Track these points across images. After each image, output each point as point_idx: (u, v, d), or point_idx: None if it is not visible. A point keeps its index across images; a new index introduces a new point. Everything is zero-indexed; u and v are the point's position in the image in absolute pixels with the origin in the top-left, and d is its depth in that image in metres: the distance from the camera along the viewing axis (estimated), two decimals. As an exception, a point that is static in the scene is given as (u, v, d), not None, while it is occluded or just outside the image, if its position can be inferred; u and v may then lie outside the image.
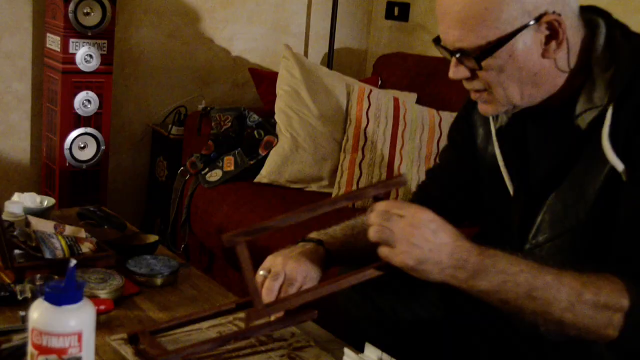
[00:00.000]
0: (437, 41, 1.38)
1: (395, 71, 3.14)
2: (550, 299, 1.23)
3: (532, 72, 1.32)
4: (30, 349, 1.16)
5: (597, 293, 1.23)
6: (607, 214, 1.34)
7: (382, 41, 3.62)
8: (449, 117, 2.68)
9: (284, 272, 1.40)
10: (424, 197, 1.68)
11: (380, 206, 1.28)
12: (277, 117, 2.74)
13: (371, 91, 2.74)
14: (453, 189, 1.66)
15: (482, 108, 1.41)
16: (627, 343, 1.25)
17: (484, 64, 1.30)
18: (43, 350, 1.13)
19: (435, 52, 3.42)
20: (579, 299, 1.23)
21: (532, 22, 1.27)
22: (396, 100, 2.72)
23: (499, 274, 1.24)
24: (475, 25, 1.29)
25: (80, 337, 1.14)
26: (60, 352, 1.13)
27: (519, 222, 1.49)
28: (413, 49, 3.40)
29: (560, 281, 1.24)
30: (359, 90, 2.73)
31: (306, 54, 3.48)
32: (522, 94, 1.35)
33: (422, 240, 1.23)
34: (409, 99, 2.87)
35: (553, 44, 1.30)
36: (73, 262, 1.18)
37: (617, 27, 1.38)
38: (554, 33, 1.29)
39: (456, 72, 1.35)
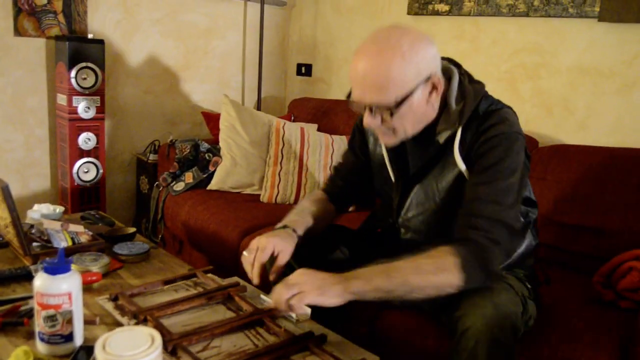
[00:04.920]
0: (349, 96, 1.36)
1: (302, 110, 3.15)
2: (401, 271, 1.22)
3: (421, 114, 1.34)
4: (35, 306, 1.16)
5: (430, 258, 1.24)
6: (453, 201, 1.36)
7: (294, 90, 3.64)
8: (338, 139, 2.73)
9: (258, 246, 1.38)
10: (332, 185, 1.70)
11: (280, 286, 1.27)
12: (221, 144, 2.74)
13: (285, 123, 2.76)
14: (351, 178, 1.67)
15: (385, 140, 1.40)
16: (471, 284, 1.24)
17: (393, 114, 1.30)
18: (44, 306, 1.14)
19: (328, 96, 3.48)
20: (419, 266, 1.23)
21: (423, 82, 1.29)
22: (302, 129, 2.75)
23: (370, 272, 1.23)
24: (387, 88, 1.27)
25: (70, 296, 1.15)
26: (56, 307, 1.14)
27: (397, 202, 1.52)
28: (314, 94, 3.45)
29: (405, 261, 1.24)
30: (276, 123, 2.75)
31: (243, 101, 3.49)
32: (414, 128, 1.35)
33: (309, 280, 1.22)
34: (311, 128, 2.89)
35: (434, 93, 1.33)
36: (62, 245, 1.19)
37: (464, 74, 1.41)
38: (434, 87, 1.32)
39: (372, 121, 1.33)
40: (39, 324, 1.15)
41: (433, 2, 2.76)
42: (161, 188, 2.75)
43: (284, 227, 1.48)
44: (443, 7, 2.72)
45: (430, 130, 1.38)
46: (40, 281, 1.14)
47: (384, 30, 1.31)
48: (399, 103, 1.28)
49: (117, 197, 3.11)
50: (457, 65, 1.43)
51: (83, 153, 2.70)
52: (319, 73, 3.49)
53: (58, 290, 1.13)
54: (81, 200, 2.74)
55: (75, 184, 2.71)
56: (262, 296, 1.46)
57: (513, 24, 2.52)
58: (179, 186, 2.67)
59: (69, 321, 1.15)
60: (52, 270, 1.14)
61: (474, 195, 1.30)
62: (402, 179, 1.50)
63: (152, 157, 2.98)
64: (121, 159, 3.11)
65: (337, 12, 3.32)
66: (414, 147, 1.45)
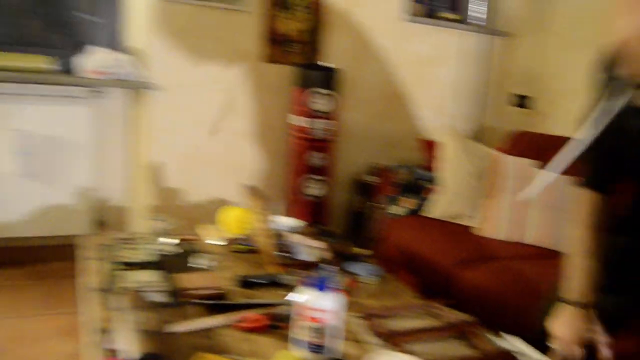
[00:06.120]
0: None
1: (522, 143, 3.02)
2: None
3: None
4: (297, 316, 1.26)
5: None
6: None
7: (510, 121, 3.53)
8: (561, 179, 2.60)
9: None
10: (592, 170, 1.37)
11: None
12: (441, 173, 2.77)
13: (504, 157, 2.72)
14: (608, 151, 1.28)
15: None
16: None
17: None
18: (310, 319, 1.25)
19: (548, 130, 3.26)
20: None
21: None
22: (522, 164, 2.68)
23: None
24: None
25: (334, 312, 1.25)
26: (320, 321, 1.24)
27: None
28: (531, 127, 3.33)
29: None
30: (495, 157, 2.72)
31: (457, 130, 3.50)
32: None
33: None
34: (530, 164, 2.81)
35: None
36: (332, 268, 1.31)
37: None
38: None
39: None
40: (302, 333, 1.28)
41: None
42: (379, 209, 2.86)
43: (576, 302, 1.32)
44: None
45: None
46: (310, 295, 1.26)
47: None
48: None
49: (333, 213, 3.28)
50: None
51: (312, 170, 2.90)
52: (538, 106, 3.39)
53: (324, 305, 1.25)
54: (307, 212, 2.93)
55: (303, 198, 2.92)
56: (504, 335, 1.46)
57: None
58: (398, 210, 2.76)
59: (329, 334, 1.26)
60: (321, 287, 1.26)
61: None
62: None
63: (369, 178, 3.10)
64: (341, 177, 3.27)
65: (563, 45, 3.20)
66: None
